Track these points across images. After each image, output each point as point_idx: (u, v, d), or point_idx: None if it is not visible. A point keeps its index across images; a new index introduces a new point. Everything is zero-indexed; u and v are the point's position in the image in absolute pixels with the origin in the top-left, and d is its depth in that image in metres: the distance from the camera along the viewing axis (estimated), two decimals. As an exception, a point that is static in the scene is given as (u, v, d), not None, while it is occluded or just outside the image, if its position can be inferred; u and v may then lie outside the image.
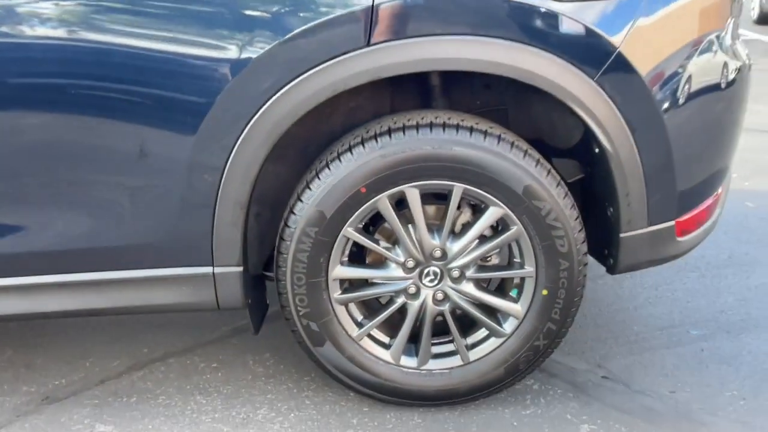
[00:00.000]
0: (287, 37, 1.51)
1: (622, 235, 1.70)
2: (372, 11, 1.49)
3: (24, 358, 2.09)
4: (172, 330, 2.23)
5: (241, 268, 1.69)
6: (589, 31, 1.54)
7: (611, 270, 1.80)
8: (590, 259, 1.78)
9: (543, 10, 1.53)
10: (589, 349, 2.09)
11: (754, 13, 9.29)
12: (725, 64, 1.73)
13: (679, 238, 1.76)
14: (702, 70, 1.66)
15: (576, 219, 1.67)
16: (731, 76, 1.73)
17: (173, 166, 1.60)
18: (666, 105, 1.61)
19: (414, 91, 1.83)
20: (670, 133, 1.63)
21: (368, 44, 1.51)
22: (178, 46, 1.54)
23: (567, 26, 1.54)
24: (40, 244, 1.65)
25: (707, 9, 1.67)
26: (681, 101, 1.63)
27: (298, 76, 1.52)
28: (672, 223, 1.73)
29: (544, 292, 1.70)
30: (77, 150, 1.60)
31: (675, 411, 1.82)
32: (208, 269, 1.69)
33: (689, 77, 1.64)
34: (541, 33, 1.53)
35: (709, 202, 1.82)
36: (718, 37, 1.70)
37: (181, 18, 1.54)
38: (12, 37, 1.54)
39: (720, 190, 1.89)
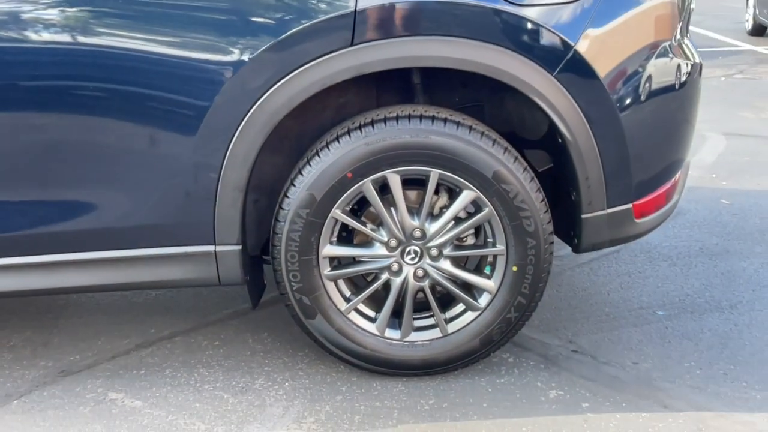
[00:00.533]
0: (280, 38, 1.71)
1: (583, 216, 1.89)
2: (355, 15, 1.68)
3: (41, 338, 2.27)
4: (178, 312, 2.41)
5: (240, 247, 1.88)
6: (547, 31, 1.73)
7: (576, 249, 1.98)
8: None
9: (506, 12, 1.72)
10: (563, 327, 2.26)
11: (748, 25, 9.48)
12: (677, 65, 1.92)
13: (637, 220, 1.94)
14: (654, 70, 1.85)
15: (541, 201, 1.85)
16: (682, 77, 1.92)
17: (180, 155, 1.79)
18: (620, 99, 1.81)
19: (397, 89, 2.02)
20: (625, 124, 1.82)
21: (352, 44, 1.70)
22: (180, 49, 1.73)
23: (528, 27, 1.73)
24: (64, 225, 1.84)
25: (658, 15, 1.86)
26: (635, 97, 1.83)
27: (289, 73, 1.72)
28: (629, 205, 1.91)
29: (514, 268, 1.88)
30: (93, 142, 1.79)
31: (636, 379, 1.99)
32: (211, 248, 1.87)
33: (642, 75, 1.83)
34: (506, 33, 1.73)
35: (665, 187, 2.00)
36: (670, 38, 1.88)
37: (183, 22, 1.74)
38: (43, 43, 1.73)
39: (677, 177, 2.06)
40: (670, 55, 1.89)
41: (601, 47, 1.77)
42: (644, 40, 1.84)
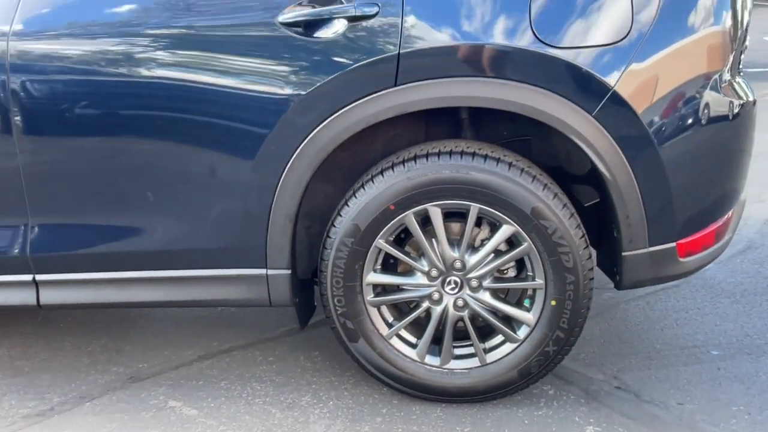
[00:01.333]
0: (330, 78, 1.82)
1: (624, 253, 1.89)
2: (398, 58, 1.78)
3: (116, 345, 2.48)
4: (239, 327, 2.56)
5: (289, 272, 2.00)
6: (586, 73, 1.76)
7: (618, 285, 1.98)
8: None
9: (544, 55, 1.76)
10: (609, 362, 2.25)
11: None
12: (724, 103, 1.89)
13: (682, 259, 1.92)
14: (697, 108, 1.83)
15: (581, 237, 1.87)
16: (730, 114, 1.89)
17: (238, 184, 1.93)
18: (661, 139, 1.80)
19: (446, 123, 2.09)
20: (666, 164, 1.81)
21: (396, 84, 1.80)
22: (245, 85, 1.87)
23: (566, 69, 1.76)
24: (135, 245, 2.02)
25: (704, 51, 1.85)
26: (676, 136, 1.82)
27: (338, 110, 1.82)
28: (673, 244, 1.90)
29: (553, 302, 1.91)
30: (163, 169, 1.96)
31: (678, 420, 1.96)
32: (263, 271, 2.00)
33: (684, 114, 1.82)
34: (544, 75, 1.77)
35: (715, 226, 1.97)
36: (715, 76, 1.86)
37: (247, 61, 1.88)
38: (123, 77, 1.91)
39: (729, 215, 2.03)
40: (716, 92, 1.86)
41: (641, 87, 1.78)
42: (687, 79, 1.83)
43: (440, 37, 1.81)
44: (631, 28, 1.76)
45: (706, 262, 2.00)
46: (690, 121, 1.83)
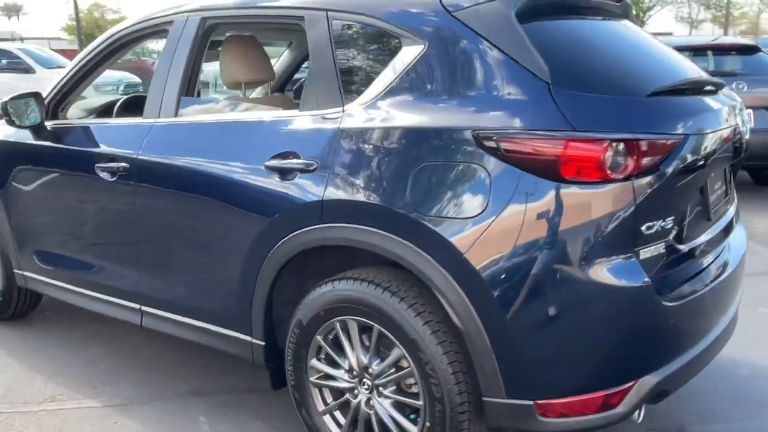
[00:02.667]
0: (287, 209, 2.39)
1: (483, 398, 2.09)
2: (322, 204, 2.28)
3: (185, 364, 3.35)
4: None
5: (263, 343, 2.61)
6: (443, 239, 2.04)
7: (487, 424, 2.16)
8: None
9: (419, 222, 2.07)
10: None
11: None
12: (574, 278, 1.96)
13: (542, 419, 2.03)
14: (545, 280, 1.96)
15: (452, 374, 2.13)
16: (584, 290, 1.96)
17: (237, 272, 2.60)
18: (506, 303, 1.98)
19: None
20: (513, 328, 1.98)
21: (322, 222, 2.30)
22: (243, 207, 2.54)
23: (432, 235, 2.06)
24: (188, 303, 2.85)
25: (551, 229, 1.96)
26: (519, 302, 1.97)
27: (286, 236, 2.39)
28: (530, 402, 2.03)
29: (428, 424, 2.20)
30: (200, 262, 2.74)
31: None
32: (249, 338, 2.66)
33: (529, 283, 1.96)
34: (417, 236, 2.09)
35: (590, 396, 2.02)
36: (563, 253, 1.96)
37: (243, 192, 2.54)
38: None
39: (617, 389, 2.03)
40: (567, 267, 1.95)
41: (489, 255, 1.98)
42: (533, 254, 1.96)
43: (346, 193, 2.24)
44: (487, 205, 1.99)
45: (574, 427, 2.05)
46: (535, 291, 1.97)
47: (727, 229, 2.57)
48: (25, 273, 3.61)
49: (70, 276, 3.35)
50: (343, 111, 2.31)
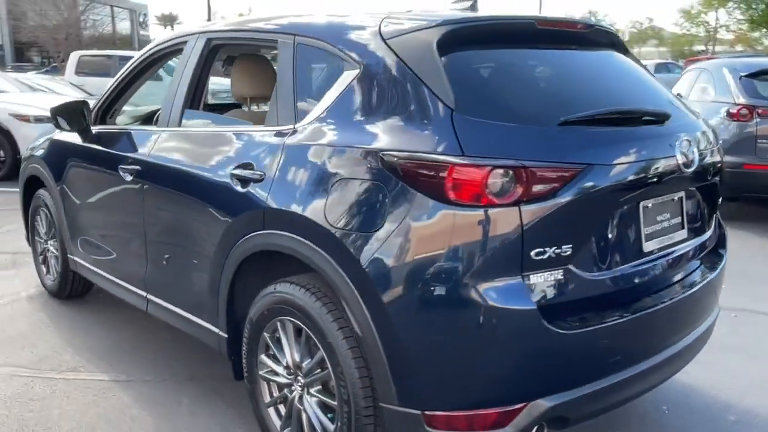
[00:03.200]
0: (241, 214, 2.62)
1: (380, 403, 2.20)
2: (264, 212, 2.49)
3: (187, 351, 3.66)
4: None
5: (227, 336, 2.86)
6: (347, 250, 2.17)
7: None
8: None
9: (329, 231, 2.23)
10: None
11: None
12: (459, 300, 2.03)
13: (430, 429, 2.11)
14: (434, 299, 2.04)
15: (360, 378, 2.26)
16: (476, 314, 2.02)
17: (207, 272, 2.87)
18: (397, 314, 2.08)
19: None
20: (404, 339, 2.08)
21: (264, 229, 2.51)
22: (213, 208, 2.80)
23: (340, 245, 2.21)
24: (173, 299, 3.17)
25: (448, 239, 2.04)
26: (410, 316, 2.07)
27: (238, 240, 2.62)
28: (418, 412, 2.12)
29: (339, 423, 2.34)
30: (185, 258, 3.04)
31: None
32: (217, 330, 2.92)
33: (423, 301, 2.05)
34: (330, 246, 2.24)
35: (477, 412, 2.07)
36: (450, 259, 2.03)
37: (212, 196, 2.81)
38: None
39: (510, 409, 2.06)
40: (454, 290, 2.03)
41: (386, 269, 2.09)
42: (428, 272, 2.05)
43: (280, 203, 2.43)
44: (385, 222, 2.11)
45: (463, 441, 2.11)
46: (422, 307, 2.06)
47: (679, 262, 2.50)
48: (74, 258, 4.11)
49: (100, 262, 3.79)
50: (294, 128, 2.52)
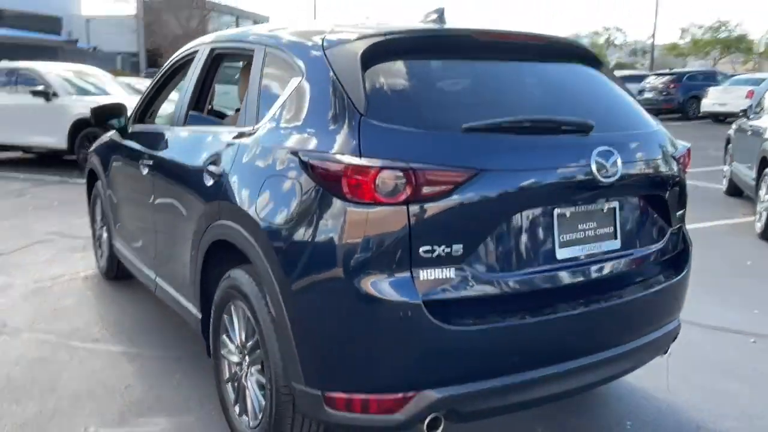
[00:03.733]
0: (207, 207, 2.91)
1: (292, 383, 2.39)
2: (219, 204, 2.75)
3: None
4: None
5: (200, 316, 3.15)
6: (268, 242, 2.39)
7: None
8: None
9: (256, 221, 2.48)
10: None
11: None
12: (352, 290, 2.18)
13: (328, 409, 2.27)
14: (324, 291, 2.23)
15: (280, 358, 2.45)
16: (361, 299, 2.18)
17: (188, 249, 3.16)
18: (300, 298, 2.28)
19: None
20: (292, 321, 2.30)
21: (220, 219, 2.78)
22: (191, 191, 3.11)
23: (264, 238, 2.43)
24: (171, 279, 3.52)
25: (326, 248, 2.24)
26: (300, 307, 2.28)
27: (205, 229, 2.90)
28: (318, 392, 2.29)
29: (266, 401, 2.56)
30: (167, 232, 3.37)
31: None
32: (195, 312, 3.22)
33: (311, 279, 2.25)
34: (256, 233, 2.47)
35: (370, 396, 2.20)
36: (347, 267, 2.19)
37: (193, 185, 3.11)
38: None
39: (400, 396, 2.18)
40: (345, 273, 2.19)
41: (293, 255, 2.30)
42: (323, 254, 2.23)
43: (228, 196, 2.69)
44: (298, 215, 2.31)
45: (355, 424, 2.25)
46: (320, 294, 2.24)
47: (606, 271, 2.50)
48: (115, 243, 4.60)
49: (129, 247, 4.23)
50: (253, 129, 2.77)
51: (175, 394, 3.35)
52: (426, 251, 2.16)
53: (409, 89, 2.41)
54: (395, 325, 2.17)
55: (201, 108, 3.58)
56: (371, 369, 2.24)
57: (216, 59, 3.52)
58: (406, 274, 2.17)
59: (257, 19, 43.21)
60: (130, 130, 4.22)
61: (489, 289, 2.26)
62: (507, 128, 2.31)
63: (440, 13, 2.94)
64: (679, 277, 2.75)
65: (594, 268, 2.48)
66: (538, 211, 2.34)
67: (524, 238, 2.33)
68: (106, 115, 4.18)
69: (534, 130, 2.36)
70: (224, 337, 2.94)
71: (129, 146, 4.11)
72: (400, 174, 2.13)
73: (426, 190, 2.14)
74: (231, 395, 2.93)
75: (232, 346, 2.88)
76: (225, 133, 3.01)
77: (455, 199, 2.16)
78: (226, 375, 2.96)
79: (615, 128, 2.56)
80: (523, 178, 2.26)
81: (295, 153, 2.38)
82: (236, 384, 2.89)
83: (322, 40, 2.59)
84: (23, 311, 4.45)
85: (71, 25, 37.25)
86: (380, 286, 2.17)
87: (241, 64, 3.77)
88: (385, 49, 2.44)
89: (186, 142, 3.38)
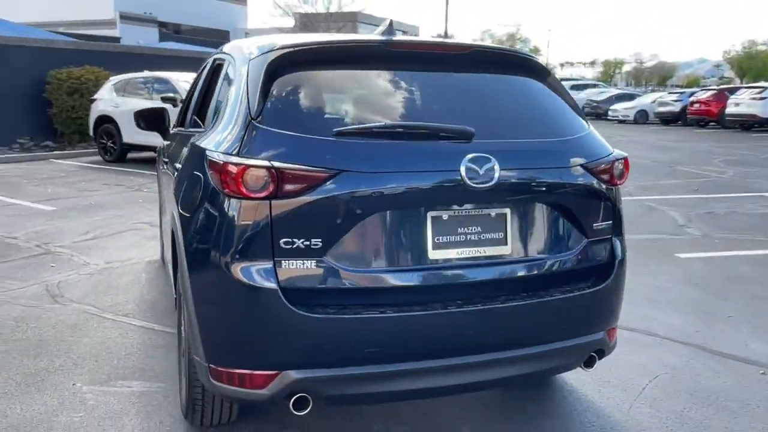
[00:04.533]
0: (177, 197, 3.30)
1: (192, 355, 2.69)
2: (174, 194, 3.13)
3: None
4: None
5: (176, 295, 3.55)
6: (182, 228, 2.70)
7: None
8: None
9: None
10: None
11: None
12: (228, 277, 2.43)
13: (213, 381, 2.55)
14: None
15: (190, 332, 2.77)
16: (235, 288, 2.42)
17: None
18: (191, 278, 2.59)
19: None
20: (195, 298, 2.57)
21: (178, 209, 3.15)
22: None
23: (182, 226, 2.75)
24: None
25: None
26: (203, 286, 2.55)
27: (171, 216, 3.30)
28: (206, 364, 2.57)
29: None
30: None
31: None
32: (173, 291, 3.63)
33: (197, 262, 2.56)
34: (180, 221, 2.80)
35: (241, 371, 2.44)
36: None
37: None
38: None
39: (265, 373, 2.39)
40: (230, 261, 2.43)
41: (191, 240, 2.61)
42: (205, 240, 2.52)
43: (176, 187, 3.06)
44: (197, 205, 2.62)
45: (234, 396, 2.50)
46: (201, 277, 2.53)
47: (489, 275, 2.55)
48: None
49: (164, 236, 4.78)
50: (204, 130, 3.12)
51: (161, 363, 3.78)
52: (286, 242, 2.38)
53: (301, 97, 2.63)
54: (259, 308, 2.41)
55: (201, 112, 4.00)
56: (244, 347, 2.48)
57: (215, 68, 3.92)
58: (269, 263, 2.39)
59: (407, 30, 44.29)
60: (170, 131, 4.76)
61: (351, 282, 2.42)
62: (379, 133, 2.46)
63: (387, 25, 3.12)
64: (594, 289, 2.72)
65: (476, 271, 2.54)
66: (406, 212, 2.46)
67: (391, 237, 2.46)
68: (148, 117, 4.75)
69: (409, 136, 2.48)
70: (180, 315, 3.31)
71: (164, 145, 4.65)
72: (265, 172, 2.37)
73: (288, 187, 2.36)
74: (182, 366, 3.29)
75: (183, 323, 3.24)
76: (195, 135, 3.39)
77: (315, 196, 2.36)
78: (183, 348, 3.33)
79: (510, 136, 2.60)
80: (385, 180, 2.40)
81: (204, 151, 2.69)
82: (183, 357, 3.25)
83: (251, 52, 2.88)
84: (83, 286, 5.15)
85: (236, 37, 40.50)
86: (247, 272, 2.41)
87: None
88: (290, 59, 2.68)
89: (181, 144, 3.82)
